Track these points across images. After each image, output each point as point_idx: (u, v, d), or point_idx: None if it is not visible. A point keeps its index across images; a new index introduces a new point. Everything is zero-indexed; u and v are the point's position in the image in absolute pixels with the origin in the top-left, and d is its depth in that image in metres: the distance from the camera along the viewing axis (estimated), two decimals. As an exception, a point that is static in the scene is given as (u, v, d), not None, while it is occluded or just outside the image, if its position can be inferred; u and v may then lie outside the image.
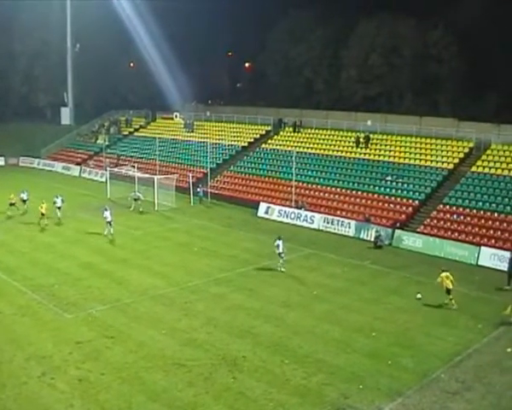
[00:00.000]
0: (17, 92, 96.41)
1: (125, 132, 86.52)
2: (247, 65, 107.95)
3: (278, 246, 36.93)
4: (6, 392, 22.16)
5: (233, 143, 69.90)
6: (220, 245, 43.53)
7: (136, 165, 64.70)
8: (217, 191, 61.03)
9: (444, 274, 31.17)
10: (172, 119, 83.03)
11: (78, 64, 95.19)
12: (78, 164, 79.98)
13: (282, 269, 36.93)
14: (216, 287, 34.18)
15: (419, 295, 32.36)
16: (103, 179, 67.50)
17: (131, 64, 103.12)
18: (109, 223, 44.39)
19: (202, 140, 71.09)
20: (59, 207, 49.29)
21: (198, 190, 59.36)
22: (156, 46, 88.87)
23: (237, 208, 56.38)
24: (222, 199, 59.61)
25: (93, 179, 72.89)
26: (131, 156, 75.10)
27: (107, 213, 44.50)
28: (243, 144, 69.35)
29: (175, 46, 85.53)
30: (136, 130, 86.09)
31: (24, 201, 52.50)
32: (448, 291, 30.92)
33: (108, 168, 64.66)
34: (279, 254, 36.94)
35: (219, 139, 70.68)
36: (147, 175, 59.15)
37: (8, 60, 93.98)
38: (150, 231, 47.47)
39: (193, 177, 61.87)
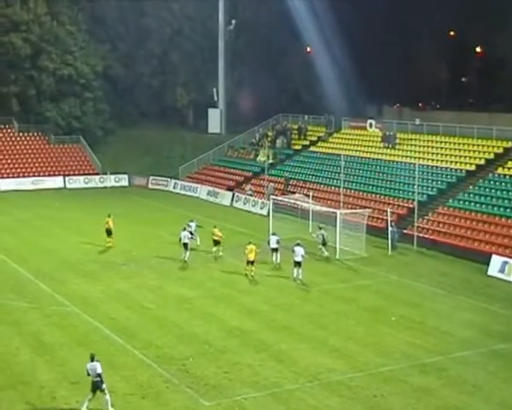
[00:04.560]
0: (147, 86, 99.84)
1: (298, 146, 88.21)
2: (477, 50, 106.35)
3: None
4: None
5: (454, 166, 69.10)
6: (429, 315, 42.93)
7: (311, 193, 65.54)
8: (428, 235, 60.48)
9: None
10: (365, 129, 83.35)
11: (234, 49, 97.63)
12: (229, 189, 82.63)
13: None
14: (420, 376, 33.61)
15: None
16: (264, 212, 69.16)
17: (308, 50, 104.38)
18: (298, 264, 47.40)
19: (408, 161, 70.99)
20: (275, 249, 51.49)
21: (390, 229, 59.09)
22: (339, 25, 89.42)
23: (457, 262, 55.57)
24: (435, 247, 59.01)
25: (250, 211, 74.89)
26: (305, 180, 76.31)
27: (299, 250, 47.34)
28: (469, 168, 68.35)
29: (366, 22, 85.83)
30: (313, 143, 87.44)
31: (191, 234, 54.60)
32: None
33: (272, 196, 65.82)
34: None
35: (433, 160, 70.22)
36: (326, 209, 59.65)
37: (137, 42, 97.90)
38: (328, 288, 47.85)
39: (393, 213, 61.68)
